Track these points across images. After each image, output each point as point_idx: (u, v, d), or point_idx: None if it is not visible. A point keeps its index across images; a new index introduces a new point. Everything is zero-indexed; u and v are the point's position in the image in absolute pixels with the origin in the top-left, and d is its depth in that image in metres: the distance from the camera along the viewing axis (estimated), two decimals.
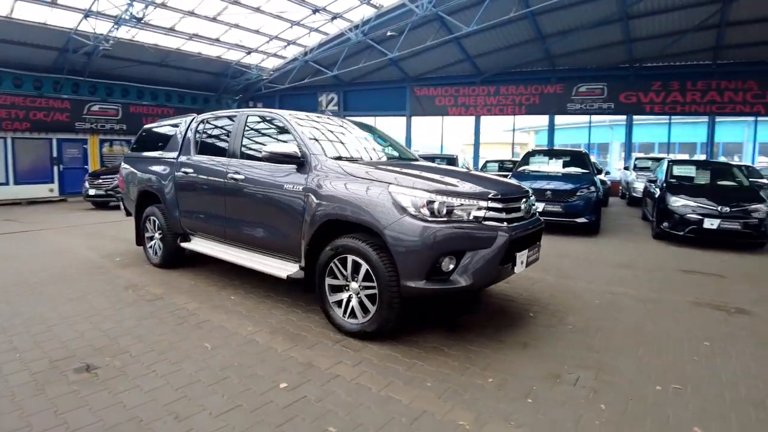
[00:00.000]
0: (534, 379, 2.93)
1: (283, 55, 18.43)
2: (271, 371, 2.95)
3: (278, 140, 4.25)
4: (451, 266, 3.16)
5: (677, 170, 9.56)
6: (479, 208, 3.24)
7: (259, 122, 4.59)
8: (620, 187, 17.22)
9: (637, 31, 15.77)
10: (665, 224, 8.17)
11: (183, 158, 5.04)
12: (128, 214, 6.37)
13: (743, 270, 6.11)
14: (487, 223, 3.25)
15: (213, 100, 20.75)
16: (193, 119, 5.26)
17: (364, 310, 3.40)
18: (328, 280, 3.59)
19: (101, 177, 11.46)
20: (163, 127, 5.93)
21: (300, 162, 3.83)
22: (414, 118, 21.16)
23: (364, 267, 3.32)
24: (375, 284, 3.26)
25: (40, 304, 4.13)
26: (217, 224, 4.59)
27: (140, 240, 5.84)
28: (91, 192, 11.20)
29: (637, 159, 15.56)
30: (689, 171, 9.61)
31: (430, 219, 3.11)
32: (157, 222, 5.39)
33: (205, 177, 4.68)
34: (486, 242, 3.20)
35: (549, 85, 19.18)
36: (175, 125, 5.56)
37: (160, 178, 5.29)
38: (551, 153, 10.82)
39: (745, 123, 19.72)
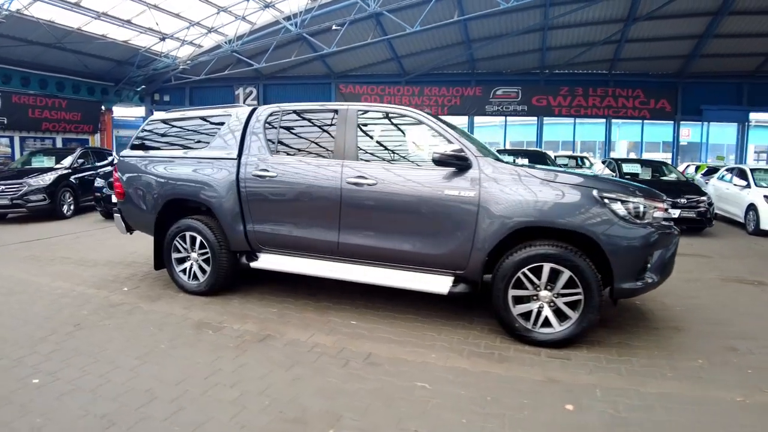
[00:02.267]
0: (722, 354, 3.27)
1: (200, 44, 16.44)
2: (530, 397, 2.65)
3: (406, 139, 3.71)
4: (649, 265, 3.27)
5: (625, 168, 10.65)
6: (657, 209, 3.35)
7: (378, 118, 3.97)
8: None
9: (553, 41, 17.36)
10: None
11: (252, 159, 4.06)
12: (128, 230, 4.98)
13: (714, 250, 7.18)
14: (664, 222, 3.40)
15: (112, 92, 17.67)
16: (253, 111, 4.28)
17: (560, 317, 3.27)
18: (512, 292, 3.29)
19: (1, 182, 8.90)
20: (186, 119, 4.74)
21: (466, 165, 3.39)
22: None
23: (566, 274, 3.16)
24: (580, 290, 3.16)
25: (107, 370, 2.90)
26: (325, 238, 3.78)
27: (161, 262, 4.60)
28: None
29: (556, 156, 17.06)
30: (635, 168, 10.77)
31: (638, 222, 3.20)
32: (199, 239, 4.28)
33: (300, 182, 3.84)
34: (669, 240, 3.38)
35: (469, 87, 20.18)
36: (217, 117, 4.48)
37: (208, 183, 4.20)
38: (516, 153, 11.30)
39: (616, 124, 22.67)
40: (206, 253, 4.27)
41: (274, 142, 4.07)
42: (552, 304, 3.25)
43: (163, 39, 15.04)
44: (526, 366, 3.02)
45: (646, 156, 19.70)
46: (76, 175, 9.86)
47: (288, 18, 14.38)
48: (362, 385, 2.73)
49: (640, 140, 20.32)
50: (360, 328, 3.61)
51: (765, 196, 8.83)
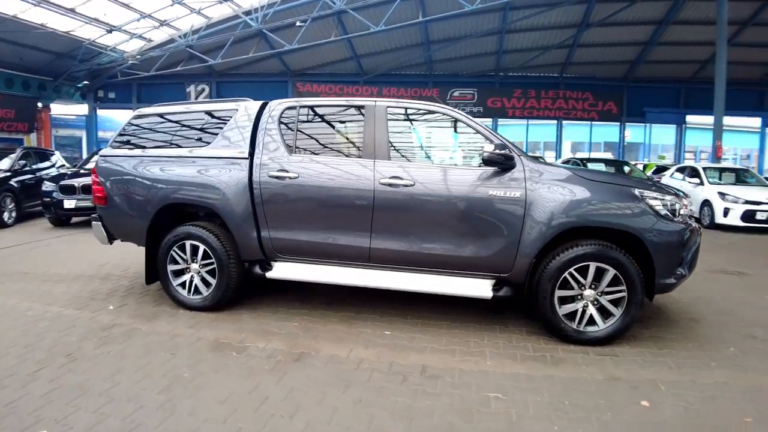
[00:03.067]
0: (746, 342, 3.47)
1: (151, 38, 15.31)
2: (603, 397, 2.63)
3: (441, 137, 3.57)
4: (683, 260, 3.38)
5: (591, 167, 11.12)
6: (683, 207, 3.45)
7: (409, 115, 3.78)
8: None
9: (510, 44, 17.84)
10: None
11: (268, 158, 3.70)
12: (110, 240, 4.42)
13: None
14: (688, 219, 3.51)
15: (51, 88, 16.01)
16: (264, 105, 3.93)
17: (603, 315, 3.29)
18: (558, 293, 3.25)
19: None
20: (181, 114, 4.27)
21: (512, 164, 3.30)
22: None
23: (611, 272, 3.19)
24: (624, 287, 3.20)
25: (130, 410, 2.44)
26: (355, 244, 3.51)
27: (154, 275, 4.11)
28: None
29: None
30: (600, 167, 11.26)
31: (675, 220, 3.28)
32: (202, 248, 3.85)
33: (327, 184, 3.55)
34: (696, 236, 3.49)
35: (427, 88, 20.34)
36: (220, 112, 4.08)
37: (214, 186, 3.78)
38: None
39: (554, 126, 23.27)
40: (211, 263, 3.85)
41: (292, 140, 3.74)
42: (596, 302, 3.26)
43: (110, 31, 13.80)
44: (582, 366, 3.00)
45: (593, 155, 20.67)
46: (18, 179, 8.80)
47: (248, 12, 13.72)
48: (433, 402, 2.54)
49: (589, 141, 21.31)
50: (397, 339, 3.40)
51: (719, 193, 9.48)
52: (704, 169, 10.72)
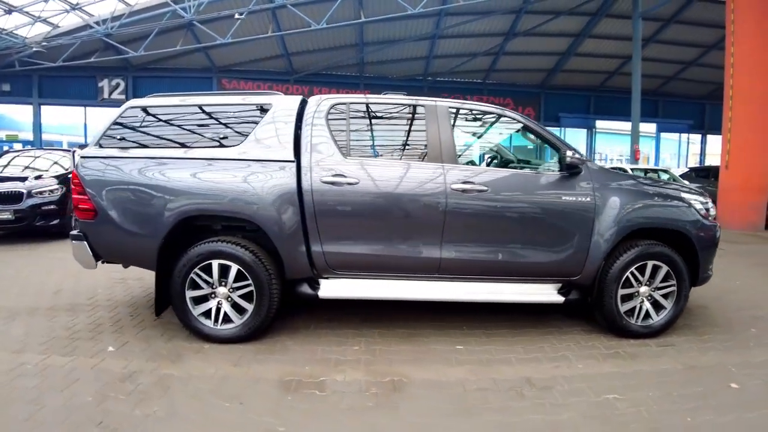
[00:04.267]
0: (758, 322, 3.85)
1: (58, 24, 13.21)
2: (698, 384, 2.81)
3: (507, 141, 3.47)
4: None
5: None
6: (713, 208, 3.81)
7: (472, 117, 3.75)
8: None
9: (440, 49, 18.30)
10: None
11: (318, 162, 3.29)
12: (96, 260, 3.60)
13: None
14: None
15: None
16: (304, 102, 3.49)
17: (656, 309, 3.50)
18: (621, 291, 3.42)
19: None
20: (193, 107, 3.63)
21: (580, 170, 3.39)
22: None
23: (664, 269, 3.42)
24: (674, 282, 3.44)
25: None
26: (424, 254, 3.26)
27: (165, 302, 3.45)
28: None
29: None
30: None
31: (710, 219, 3.62)
32: (235, 268, 3.29)
33: (392, 191, 3.30)
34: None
35: (358, 90, 20.13)
36: (247, 107, 3.56)
37: (253, 193, 3.26)
38: None
39: None
40: (247, 285, 3.31)
41: (344, 142, 3.36)
42: (650, 297, 3.48)
43: (8, 12, 11.60)
44: (656, 358, 3.17)
45: None
46: None
47: (178, 1, 12.43)
48: (570, 413, 2.50)
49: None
50: (475, 353, 3.27)
51: None
52: (632, 170, 11.82)
